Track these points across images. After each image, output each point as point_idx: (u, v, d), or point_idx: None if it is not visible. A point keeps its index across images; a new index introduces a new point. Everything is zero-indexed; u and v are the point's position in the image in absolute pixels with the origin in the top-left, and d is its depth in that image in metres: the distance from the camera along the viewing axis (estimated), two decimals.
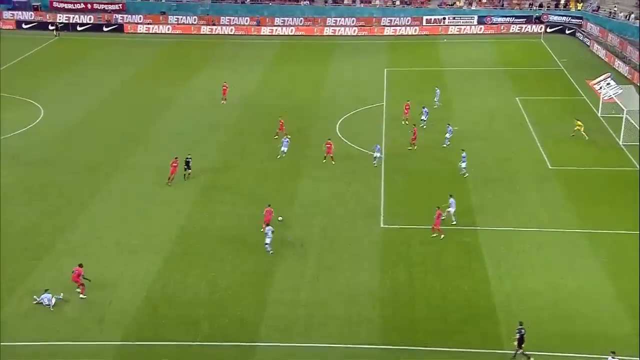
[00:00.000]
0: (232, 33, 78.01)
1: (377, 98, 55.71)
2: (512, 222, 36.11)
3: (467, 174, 40.98)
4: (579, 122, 47.23)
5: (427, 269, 32.26)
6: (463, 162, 41.05)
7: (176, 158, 40.90)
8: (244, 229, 34.86)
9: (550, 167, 42.45)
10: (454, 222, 35.43)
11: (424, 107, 49.40)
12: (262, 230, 34.32)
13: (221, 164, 43.54)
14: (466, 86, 58.34)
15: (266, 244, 33.24)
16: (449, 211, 35.44)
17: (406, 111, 49.68)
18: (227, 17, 79.69)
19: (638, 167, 41.54)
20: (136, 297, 30.10)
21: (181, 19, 79.74)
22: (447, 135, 45.53)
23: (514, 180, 40.82)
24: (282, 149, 42.18)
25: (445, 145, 45.04)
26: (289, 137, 41.71)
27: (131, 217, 36.76)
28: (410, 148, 44.65)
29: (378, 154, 42.01)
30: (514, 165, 42.79)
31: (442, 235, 34.52)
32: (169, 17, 79.91)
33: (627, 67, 60.04)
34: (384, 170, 42.43)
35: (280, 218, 35.16)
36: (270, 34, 77.69)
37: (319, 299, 30.32)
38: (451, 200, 35.74)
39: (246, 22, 79.58)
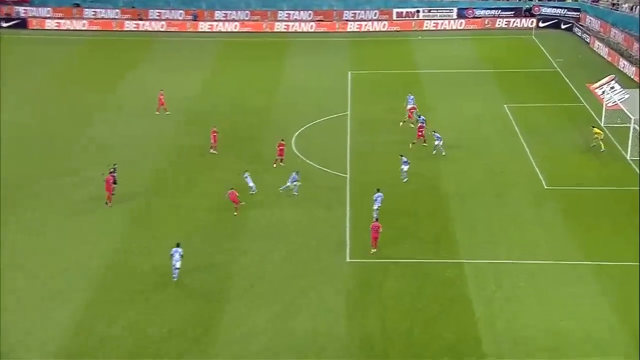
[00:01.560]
0: (163, 29, 77.95)
1: (341, 106, 56.15)
2: (503, 252, 36.59)
3: (405, 179, 42.99)
4: (597, 130, 48.17)
5: (402, 312, 32.36)
6: (404, 165, 43.12)
7: (110, 173, 40.94)
8: (182, 267, 34.61)
9: (546, 187, 43.23)
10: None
11: (419, 116, 50.26)
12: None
13: (156, 186, 43.46)
14: (445, 92, 59.17)
15: (175, 268, 33.77)
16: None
17: (410, 115, 50.80)
18: (156, 11, 79.59)
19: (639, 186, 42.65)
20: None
21: (100, 12, 79.34)
22: (436, 142, 46.46)
23: (503, 203, 41.43)
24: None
25: (435, 152, 46.46)
26: (247, 172, 42.19)
27: (43, 254, 36.21)
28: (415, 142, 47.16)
29: (294, 183, 42.22)
30: (503, 186, 43.46)
31: (373, 250, 35.91)
32: (84, 10, 79.43)
33: (634, 68, 61.71)
34: (350, 194, 42.71)
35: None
36: (209, 30, 77.84)
37: (275, 350, 30.17)
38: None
39: (180, 16, 79.63)
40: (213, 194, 42.25)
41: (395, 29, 77.93)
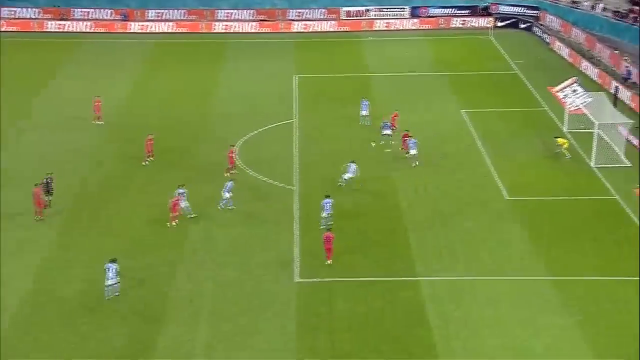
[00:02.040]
0: (89, 30, 77.36)
1: (286, 113, 56.43)
2: (462, 269, 37.17)
3: (341, 184, 43.90)
4: (562, 140, 49.25)
5: (355, 334, 32.62)
6: (348, 173, 43.95)
7: (41, 184, 40.65)
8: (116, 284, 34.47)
9: (507, 198, 44.09)
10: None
11: (384, 122, 50.77)
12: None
13: (85, 199, 43.33)
14: (398, 97, 59.87)
15: (109, 286, 33.95)
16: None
17: (393, 122, 51.13)
18: (81, 10, 78.94)
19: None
20: None
21: (18, 11, 78.36)
22: (411, 152, 47.10)
23: (462, 216, 42.09)
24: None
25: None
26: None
27: None
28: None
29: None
30: (461, 198, 44.15)
31: (328, 262, 36.47)
32: (1, 9, 78.31)
33: (597, 70, 63.35)
34: (298, 207, 42.97)
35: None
36: (141, 31, 77.52)
37: None
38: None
39: (108, 15, 79.15)
40: (148, 206, 42.19)
41: (344, 29, 78.57)
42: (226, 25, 78.27)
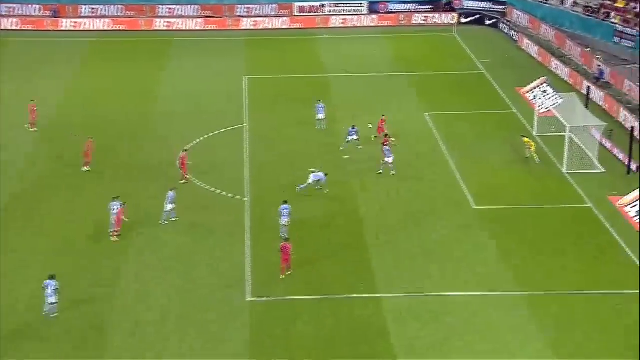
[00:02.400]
0: (16, 28, 76.28)
1: (236, 117, 56.16)
2: (427, 284, 37.10)
3: (299, 189, 44.22)
4: (527, 140, 49.69)
5: (313, 357, 32.37)
6: (311, 180, 44.44)
7: None
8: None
9: (474, 207, 44.27)
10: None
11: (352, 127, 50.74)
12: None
13: (21, 210, 42.95)
14: (357, 99, 59.97)
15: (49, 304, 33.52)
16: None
17: (381, 128, 51.06)
18: (6, 5, 77.69)
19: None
20: None
21: None
22: (387, 159, 47.14)
23: (427, 227, 42.11)
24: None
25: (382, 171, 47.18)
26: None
27: None
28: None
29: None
30: (425, 207, 44.19)
31: (289, 272, 36.79)
32: None
33: (567, 69, 64.01)
34: (250, 220, 42.70)
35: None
36: (74, 28, 76.59)
37: None
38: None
39: (37, 11, 78.08)
40: (88, 218, 41.75)
41: (297, 26, 78.45)
42: (168, 22, 77.72)
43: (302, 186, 44.71)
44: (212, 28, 77.75)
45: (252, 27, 78.04)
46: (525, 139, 49.91)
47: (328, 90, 61.27)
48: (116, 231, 40.18)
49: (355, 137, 50.38)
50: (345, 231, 41.66)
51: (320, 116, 53.85)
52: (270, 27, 78.28)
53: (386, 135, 49.27)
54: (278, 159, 49.81)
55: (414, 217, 43.06)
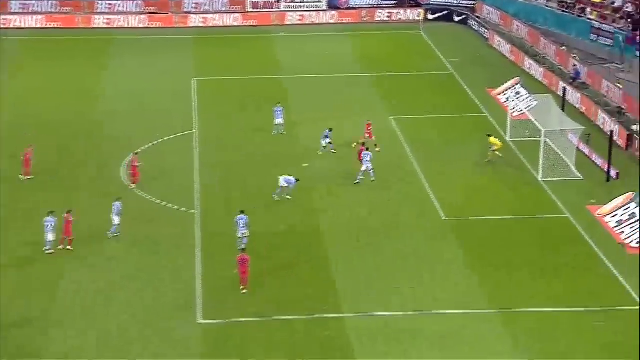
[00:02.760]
0: None
1: (184, 123, 55.90)
2: (394, 303, 37.08)
3: (275, 197, 44.70)
4: (494, 140, 49.97)
5: None
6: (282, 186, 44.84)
7: None
8: None
9: (444, 218, 44.38)
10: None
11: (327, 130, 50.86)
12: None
13: None
14: (316, 102, 59.99)
15: None
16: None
17: (369, 133, 51.01)
18: None
19: None
20: None
21: None
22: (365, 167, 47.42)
23: (393, 241, 42.06)
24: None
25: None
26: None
27: None
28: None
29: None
30: (391, 219, 44.20)
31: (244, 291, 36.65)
32: None
33: (542, 69, 64.53)
34: (201, 235, 42.44)
35: None
36: (4, 26, 75.56)
37: None
38: None
39: None
40: (24, 233, 41.43)
41: (250, 24, 78.34)
42: (108, 19, 77.24)
43: (277, 192, 44.81)
44: (157, 25, 77.41)
45: (201, 24, 77.77)
46: (492, 139, 50.14)
47: (285, 92, 61.16)
48: (70, 240, 40.15)
49: (327, 140, 50.39)
50: (307, 245, 41.54)
51: (279, 120, 53.75)
52: (220, 24, 78.04)
53: (363, 143, 49.14)
54: (231, 168, 49.59)
55: (379, 229, 43.04)
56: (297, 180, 45.24)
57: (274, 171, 47.32)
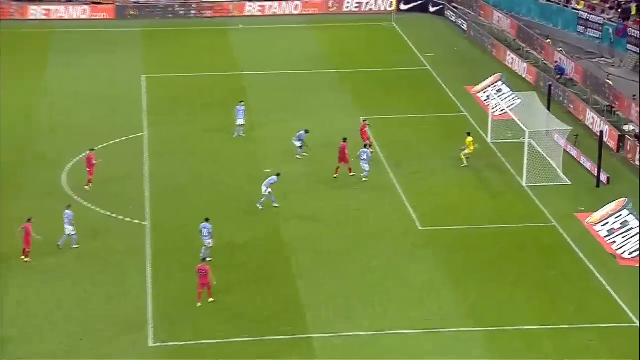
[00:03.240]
0: None
1: (133, 125, 55.79)
2: (365, 322, 37.08)
3: (259, 207, 44.59)
4: (470, 140, 50.30)
5: None
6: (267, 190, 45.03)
7: None
8: None
9: (420, 228, 44.53)
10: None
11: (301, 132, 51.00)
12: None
13: None
14: (279, 102, 60.03)
15: None
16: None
17: (364, 135, 51.23)
18: None
19: None
20: None
21: None
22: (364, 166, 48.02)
23: (364, 252, 42.10)
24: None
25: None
26: None
27: None
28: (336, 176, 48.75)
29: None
30: (363, 229, 44.26)
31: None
32: None
33: (525, 64, 64.91)
34: (151, 249, 42.35)
35: None
36: None
37: None
38: None
39: None
40: None
41: (206, 15, 78.27)
42: (47, 10, 76.82)
43: (261, 201, 45.10)
44: (101, 17, 77.21)
45: (150, 16, 77.61)
46: (469, 139, 50.42)
47: (244, 91, 61.13)
48: (27, 251, 40.35)
49: (300, 143, 50.68)
50: (270, 258, 41.52)
51: (240, 121, 53.69)
52: (172, 15, 77.87)
53: (345, 139, 49.17)
54: (185, 175, 49.51)
55: (349, 241, 43.09)
56: (278, 174, 45.38)
57: (232, 177, 47.26)
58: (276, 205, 45.38)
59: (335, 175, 48.69)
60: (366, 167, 48.34)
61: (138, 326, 36.50)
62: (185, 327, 36.47)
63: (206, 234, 40.31)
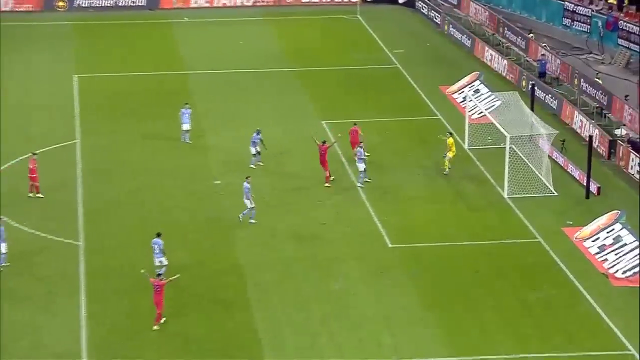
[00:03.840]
0: None
1: (64, 131, 55.66)
2: (328, 350, 36.98)
3: (238, 218, 45.12)
4: (452, 141, 50.55)
5: None
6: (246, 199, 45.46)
7: None
8: None
9: (390, 246, 44.60)
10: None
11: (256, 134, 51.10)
12: None
13: None
14: (230, 104, 60.10)
15: None
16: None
17: (355, 138, 51.37)
18: None
19: None
20: None
21: None
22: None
23: (327, 273, 42.11)
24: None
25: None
26: None
27: None
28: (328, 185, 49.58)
29: None
30: (326, 248, 44.30)
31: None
32: None
33: (506, 61, 65.23)
34: (85, 271, 42.17)
35: None
36: None
37: None
38: None
39: None
40: None
41: (145, 6, 78.21)
42: None
43: (244, 213, 45.40)
44: (27, 9, 77.07)
45: (81, 4, 77.57)
46: (451, 140, 50.67)
47: (190, 92, 61.12)
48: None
49: (257, 148, 50.80)
50: (223, 280, 41.41)
51: (186, 126, 53.65)
52: (108, 7, 77.81)
53: (324, 141, 49.67)
54: (123, 187, 49.42)
55: (310, 260, 43.08)
56: (247, 177, 45.81)
57: (177, 190, 47.11)
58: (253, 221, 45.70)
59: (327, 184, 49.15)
60: (361, 166, 48.95)
61: (70, 357, 36.29)
62: (124, 357, 36.32)
63: (157, 251, 40.31)
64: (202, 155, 52.73)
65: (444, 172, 50.43)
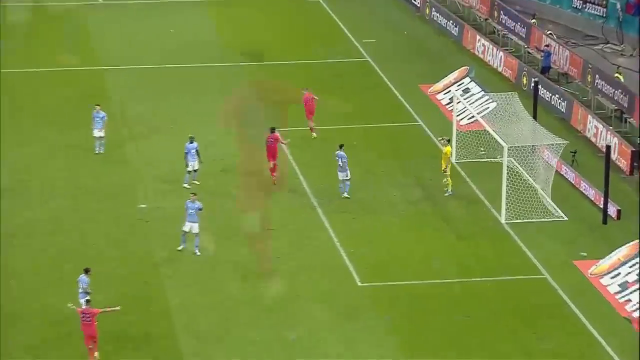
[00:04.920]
0: None
1: None
2: None
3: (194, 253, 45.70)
4: (449, 150, 50.91)
5: None
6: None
7: None
8: None
9: (359, 284, 44.53)
10: None
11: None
12: None
13: None
14: (159, 107, 60.32)
15: None
16: None
17: (311, 106, 53.36)
18: None
19: None
20: None
21: None
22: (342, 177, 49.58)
23: (282, 321, 41.96)
24: None
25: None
26: None
27: None
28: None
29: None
30: (280, 287, 44.07)
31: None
32: None
33: (502, 53, 65.51)
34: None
35: None
36: None
37: None
38: None
39: None
40: None
41: None
42: None
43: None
44: None
45: None
46: (448, 148, 50.80)
47: (107, 92, 61.13)
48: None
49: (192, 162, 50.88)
50: (152, 326, 41.25)
51: (99, 132, 53.56)
52: None
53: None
54: (27, 209, 49.44)
55: (262, 304, 42.96)
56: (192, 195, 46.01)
57: (94, 213, 46.98)
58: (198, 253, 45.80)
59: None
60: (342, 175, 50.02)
61: None
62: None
63: (81, 290, 40.47)
64: (123, 170, 52.43)
65: (446, 193, 50.20)
